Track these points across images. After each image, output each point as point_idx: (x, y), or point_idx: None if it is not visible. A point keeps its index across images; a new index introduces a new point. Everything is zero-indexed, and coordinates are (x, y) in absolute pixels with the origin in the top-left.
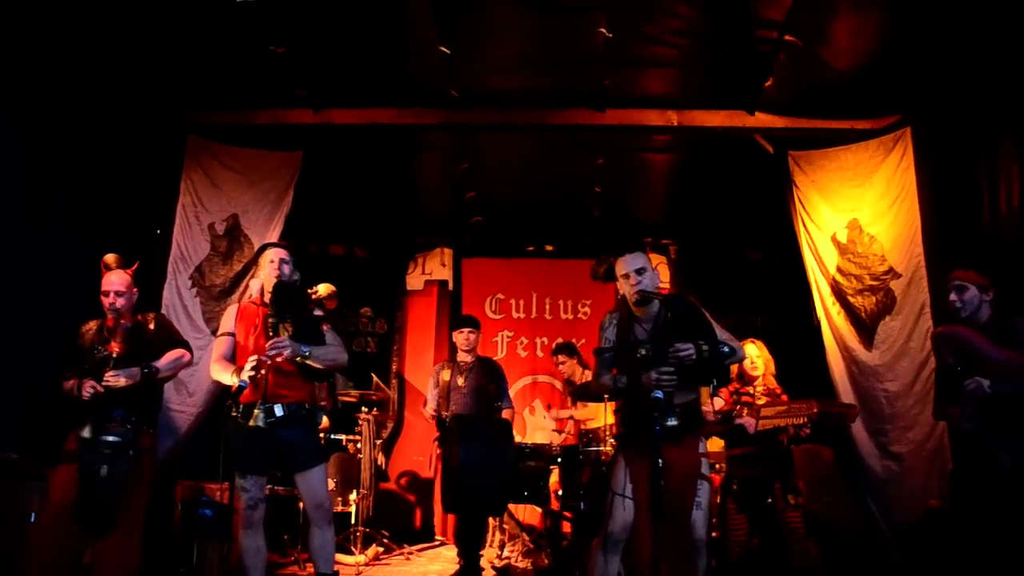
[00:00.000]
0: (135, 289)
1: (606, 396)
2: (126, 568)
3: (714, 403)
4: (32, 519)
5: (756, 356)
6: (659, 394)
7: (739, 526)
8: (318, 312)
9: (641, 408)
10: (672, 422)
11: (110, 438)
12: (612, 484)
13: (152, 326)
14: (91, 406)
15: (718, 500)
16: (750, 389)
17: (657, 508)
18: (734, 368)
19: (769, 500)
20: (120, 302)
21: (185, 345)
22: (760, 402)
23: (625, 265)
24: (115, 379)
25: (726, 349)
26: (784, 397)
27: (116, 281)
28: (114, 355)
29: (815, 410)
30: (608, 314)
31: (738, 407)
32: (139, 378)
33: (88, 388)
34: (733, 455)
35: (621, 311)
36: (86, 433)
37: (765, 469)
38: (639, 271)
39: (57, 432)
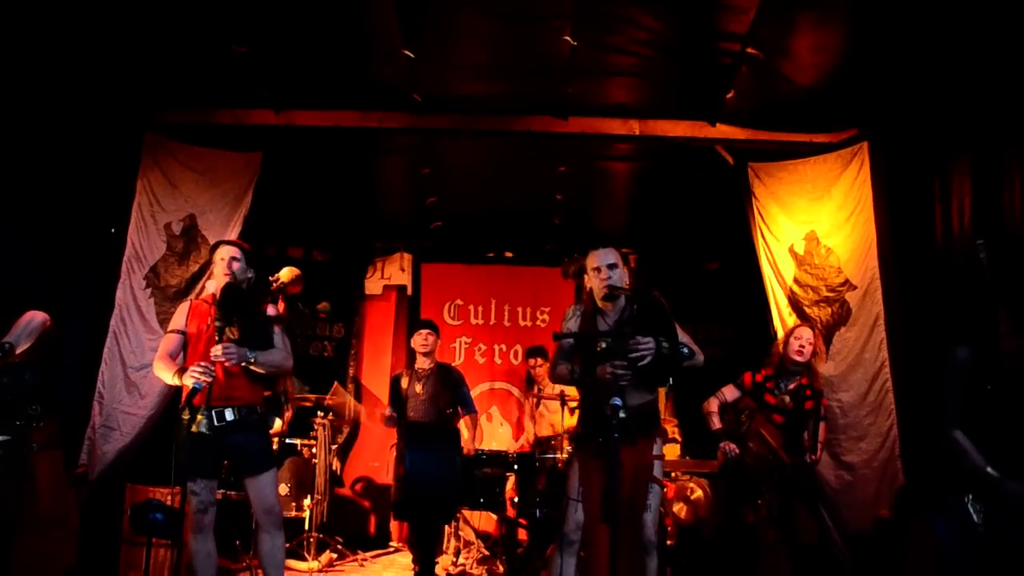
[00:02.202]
0: None
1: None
2: (57, 569)
3: (724, 393)
4: None
5: (808, 341)
6: (617, 401)
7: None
8: (272, 310)
9: (593, 405)
10: (622, 414)
11: (1, 437)
12: (567, 487)
13: None
14: None
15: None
16: (781, 387)
17: (609, 509)
18: (778, 350)
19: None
20: None
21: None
22: (784, 399)
23: (597, 259)
24: None
25: (686, 351)
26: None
27: None
28: None
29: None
30: (572, 306)
31: (744, 415)
32: None
33: None
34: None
35: (586, 305)
36: None
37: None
38: (611, 266)
39: None
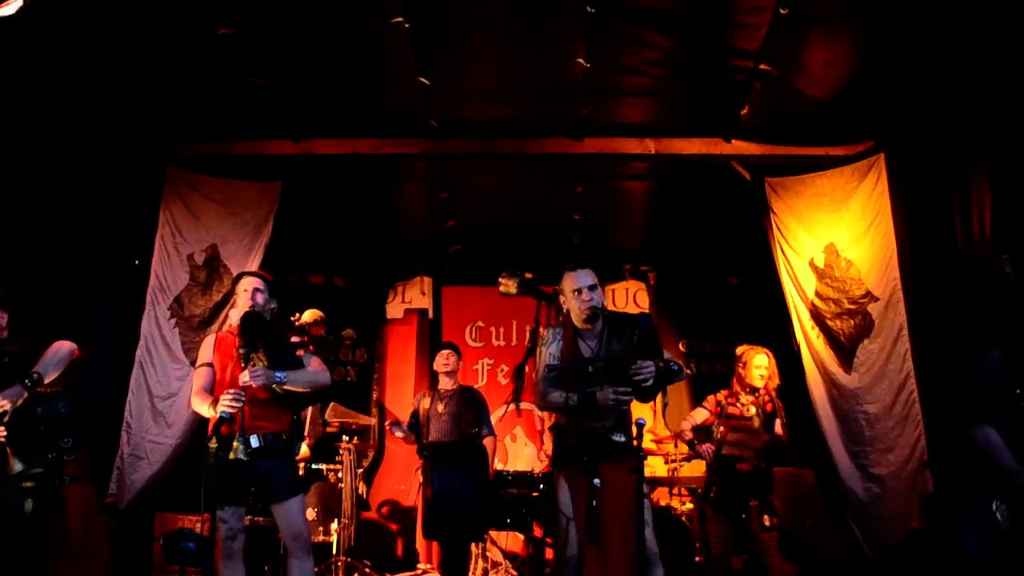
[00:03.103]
0: (2, 311)
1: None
2: None
3: (694, 416)
4: None
5: (766, 367)
6: (642, 421)
7: (718, 527)
8: (296, 338)
9: (579, 426)
10: (620, 438)
11: (33, 470)
12: (561, 508)
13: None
14: (12, 438)
15: (693, 507)
16: (745, 400)
17: (597, 528)
18: (740, 375)
19: (744, 516)
20: None
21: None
22: (749, 412)
23: (577, 280)
24: None
25: (675, 367)
26: (780, 418)
27: None
28: None
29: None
30: (550, 329)
31: (717, 422)
32: (25, 391)
33: None
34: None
35: (565, 327)
36: (17, 467)
37: (743, 484)
38: (591, 288)
39: None
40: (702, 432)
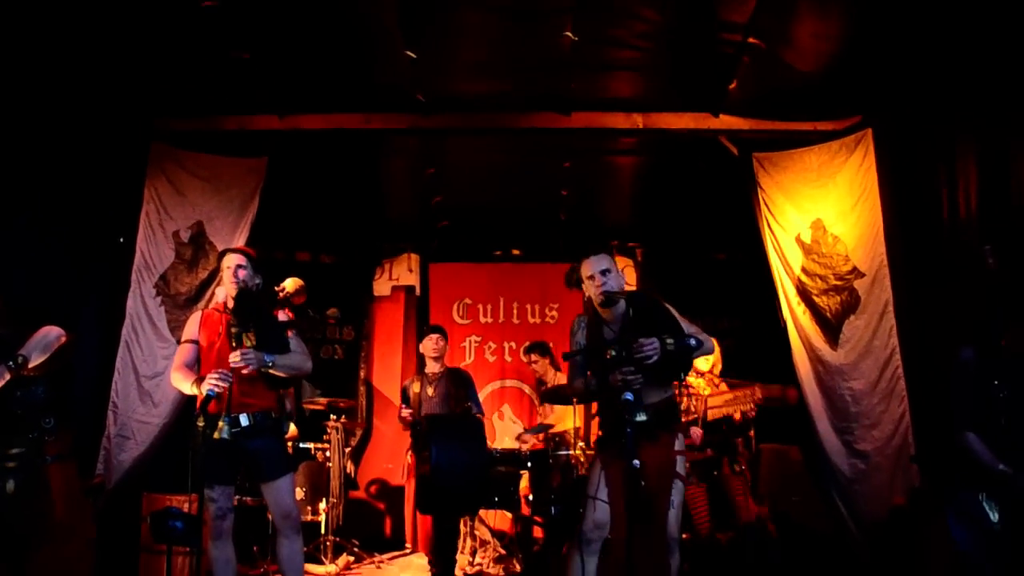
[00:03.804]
0: None
1: (575, 400)
2: None
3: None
4: None
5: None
6: (629, 396)
7: (699, 499)
8: (283, 315)
9: (613, 409)
10: (641, 418)
11: (14, 450)
12: (588, 485)
13: None
14: None
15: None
16: (694, 381)
17: (633, 508)
18: None
19: (715, 472)
20: None
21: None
22: (705, 392)
23: (590, 267)
24: None
25: (693, 342)
26: (723, 385)
27: None
28: None
29: (759, 396)
30: (577, 318)
31: (685, 400)
32: (9, 373)
33: None
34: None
35: (589, 314)
36: None
37: (714, 450)
38: (604, 272)
39: None
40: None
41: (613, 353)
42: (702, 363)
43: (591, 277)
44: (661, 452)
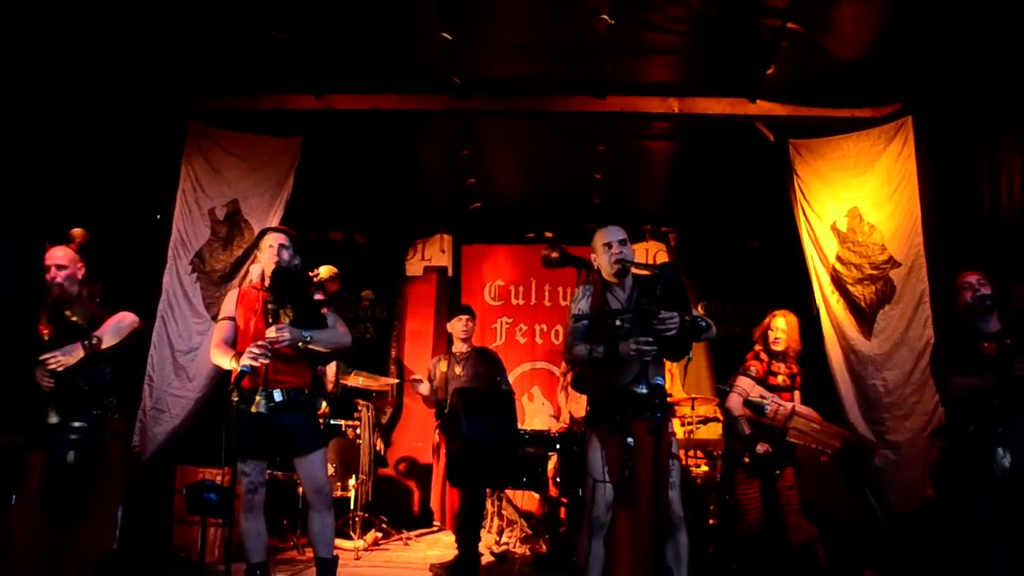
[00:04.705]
0: (80, 264)
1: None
2: (98, 552)
3: (744, 387)
4: (13, 502)
5: (782, 330)
6: (660, 380)
7: (751, 492)
8: (319, 296)
9: (611, 381)
10: (642, 390)
11: (76, 423)
12: (589, 470)
13: (98, 298)
14: (56, 392)
15: (708, 470)
16: (777, 368)
17: (630, 488)
18: (758, 334)
19: (777, 473)
20: (60, 275)
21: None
22: (787, 383)
23: (607, 235)
24: (55, 361)
25: (703, 324)
26: (797, 394)
27: (58, 255)
28: (45, 337)
29: (842, 444)
30: (580, 286)
31: (772, 405)
32: (81, 353)
33: (42, 378)
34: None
35: (595, 283)
36: (53, 419)
37: (777, 453)
38: (621, 242)
39: (39, 416)
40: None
41: (620, 322)
42: (771, 342)
43: (607, 245)
44: (660, 432)
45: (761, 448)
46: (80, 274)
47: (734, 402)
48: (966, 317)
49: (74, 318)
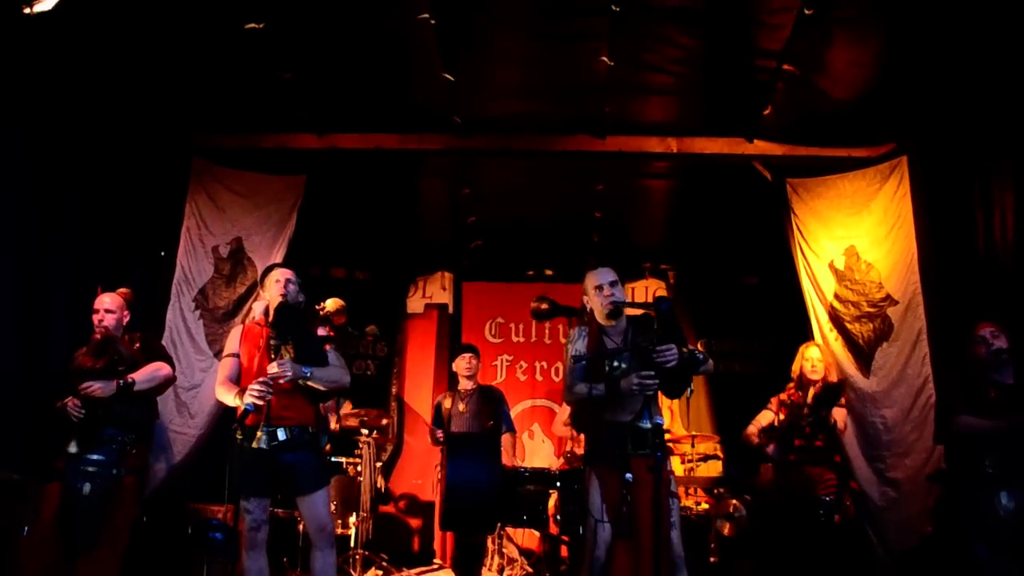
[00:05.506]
0: (127, 312)
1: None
2: None
3: (760, 419)
4: (24, 532)
5: (817, 359)
6: (660, 420)
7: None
8: (322, 331)
9: (610, 418)
10: (646, 424)
11: (94, 456)
12: (589, 508)
13: (138, 345)
14: (81, 423)
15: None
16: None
17: (629, 524)
18: (794, 371)
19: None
20: (108, 319)
21: (168, 360)
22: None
23: (599, 277)
24: (88, 388)
25: (700, 356)
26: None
27: (107, 301)
28: (87, 367)
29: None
30: (575, 328)
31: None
32: (114, 389)
33: (71, 407)
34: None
35: (590, 325)
36: (72, 448)
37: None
38: (612, 283)
39: (53, 447)
40: (766, 432)
41: (617, 364)
42: (808, 371)
43: (599, 287)
44: (659, 469)
45: (770, 449)
46: (126, 320)
47: (750, 431)
48: (983, 370)
49: (115, 357)
